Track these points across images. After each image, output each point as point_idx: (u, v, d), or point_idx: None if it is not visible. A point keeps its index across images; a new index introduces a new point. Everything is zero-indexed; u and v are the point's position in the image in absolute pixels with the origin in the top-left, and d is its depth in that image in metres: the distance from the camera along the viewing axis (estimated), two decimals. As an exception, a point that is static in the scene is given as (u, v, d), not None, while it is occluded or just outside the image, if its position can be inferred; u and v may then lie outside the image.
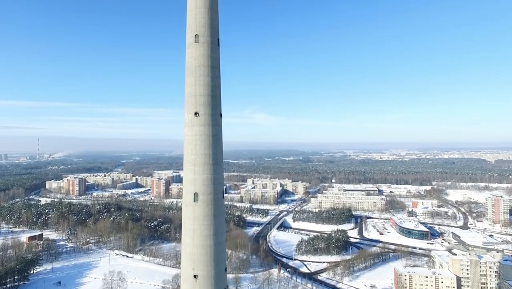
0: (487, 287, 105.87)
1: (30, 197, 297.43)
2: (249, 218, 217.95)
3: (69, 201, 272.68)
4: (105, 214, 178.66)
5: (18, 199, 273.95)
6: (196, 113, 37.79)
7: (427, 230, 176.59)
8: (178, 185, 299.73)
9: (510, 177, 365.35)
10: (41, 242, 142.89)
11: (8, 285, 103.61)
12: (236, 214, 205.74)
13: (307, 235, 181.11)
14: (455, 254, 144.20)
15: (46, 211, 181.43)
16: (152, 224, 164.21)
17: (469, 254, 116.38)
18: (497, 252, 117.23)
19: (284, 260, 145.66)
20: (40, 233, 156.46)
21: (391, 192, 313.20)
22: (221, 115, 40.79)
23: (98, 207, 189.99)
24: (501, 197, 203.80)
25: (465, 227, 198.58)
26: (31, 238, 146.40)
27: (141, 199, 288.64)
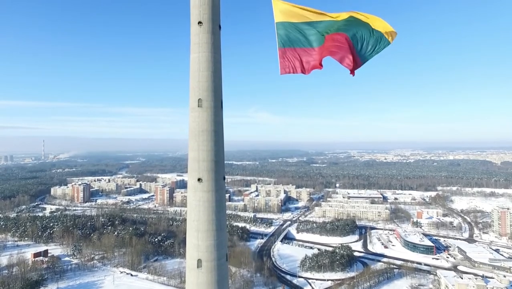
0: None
1: (36, 203, 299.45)
2: (253, 228, 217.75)
3: (74, 209, 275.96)
4: (110, 227, 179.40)
5: (23, 206, 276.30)
6: (199, 179, 37.78)
7: (432, 244, 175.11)
8: (181, 192, 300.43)
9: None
10: (46, 259, 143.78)
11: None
12: (240, 225, 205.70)
13: (311, 248, 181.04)
14: (461, 271, 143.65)
15: (51, 224, 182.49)
16: (156, 239, 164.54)
17: (476, 278, 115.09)
18: (504, 276, 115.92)
19: (288, 277, 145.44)
20: (45, 249, 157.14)
21: (395, 198, 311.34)
22: (224, 178, 40.67)
23: (103, 220, 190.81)
24: (508, 209, 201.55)
25: (470, 239, 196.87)
26: (36, 255, 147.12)
27: (145, 206, 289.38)
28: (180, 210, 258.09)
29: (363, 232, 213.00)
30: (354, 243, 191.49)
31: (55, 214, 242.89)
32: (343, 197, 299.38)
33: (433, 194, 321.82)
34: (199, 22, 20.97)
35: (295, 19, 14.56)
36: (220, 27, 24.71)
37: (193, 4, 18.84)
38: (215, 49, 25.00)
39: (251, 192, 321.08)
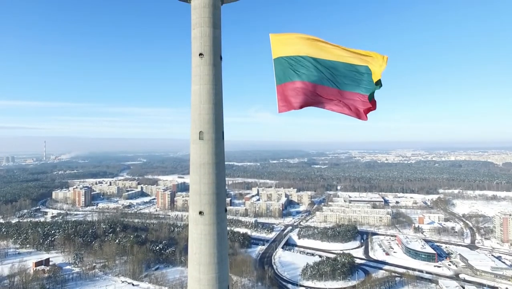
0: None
1: (37, 207, 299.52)
2: (254, 233, 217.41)
3: (75, 213, 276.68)
4: (111, 234, 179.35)
5: (25, 211, 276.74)
6: (200, 212, 37.53)
7: (434, 252, 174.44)
8: (183, 196, 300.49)
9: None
10: (48, 268, 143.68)
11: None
12: (242, 231, 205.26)
13: (312, 255, 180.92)
14: (462, 280, 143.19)
15: (52, 232, 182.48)
16: (157, 247, 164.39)
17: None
18: (507, 288, 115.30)
19: (290, 286, 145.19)
20: (47, 257, 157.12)
21: (397, 202, 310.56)
22: (226, 210, 40.43)
23: (104, 226, 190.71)
24: (510, 215, 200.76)
25: (472, 245, 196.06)
26: (37, 263, 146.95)
27: (146, 211, 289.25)
28: (181, 215, 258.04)
29: (365, 238, 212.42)
30: (355, 249, 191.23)
31: (56, 218, 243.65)
32: (344, 201, 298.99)
33: (434, 197, 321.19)
34: (200, 54, 20.04)
35: (303, 53, 13.21)
36: (221, 58, 23.72)
37: (194, 35, 17.96)
38: (216, 81, 23.99)
39: (252, 196, 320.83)
